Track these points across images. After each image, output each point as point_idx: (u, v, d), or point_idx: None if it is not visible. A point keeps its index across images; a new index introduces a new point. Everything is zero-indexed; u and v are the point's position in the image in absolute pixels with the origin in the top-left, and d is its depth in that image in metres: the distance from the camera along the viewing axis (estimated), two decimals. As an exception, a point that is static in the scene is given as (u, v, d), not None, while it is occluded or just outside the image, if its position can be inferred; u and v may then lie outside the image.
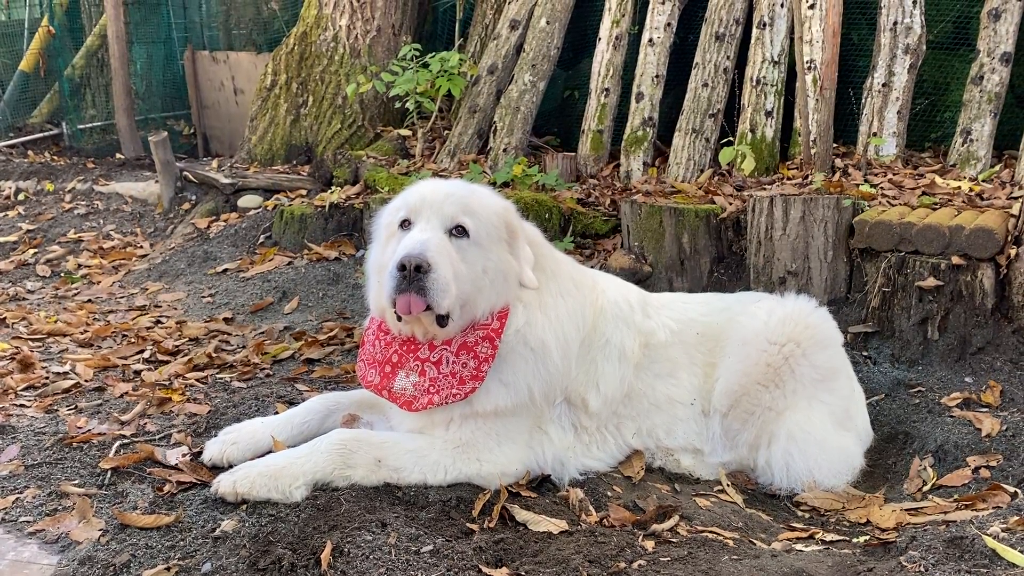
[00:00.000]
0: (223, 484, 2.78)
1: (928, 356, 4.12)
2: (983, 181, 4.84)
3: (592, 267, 5.01)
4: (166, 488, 2.94)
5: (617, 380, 3.26)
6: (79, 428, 3.49)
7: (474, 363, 2.95)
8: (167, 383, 4.20)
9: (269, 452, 3.14)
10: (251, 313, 5.36)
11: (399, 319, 2.95)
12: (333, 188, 6.27)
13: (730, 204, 4.89)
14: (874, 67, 5.36)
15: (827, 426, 3.40)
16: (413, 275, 2.77)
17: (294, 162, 7.32)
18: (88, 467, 3.13)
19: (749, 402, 3.36)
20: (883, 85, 5.30)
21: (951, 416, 3.72)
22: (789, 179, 5.24)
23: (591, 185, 5.77)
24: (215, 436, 3.23)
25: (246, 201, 6.81)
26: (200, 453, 3.18)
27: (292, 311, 5.33)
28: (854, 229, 4.33)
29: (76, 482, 3.01)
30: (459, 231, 2.93)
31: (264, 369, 4.42)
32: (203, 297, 5.68)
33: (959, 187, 4.69)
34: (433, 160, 6.59)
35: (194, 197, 7.25)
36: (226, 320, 5.25)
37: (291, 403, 3.77)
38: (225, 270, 6.01)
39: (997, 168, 4.97)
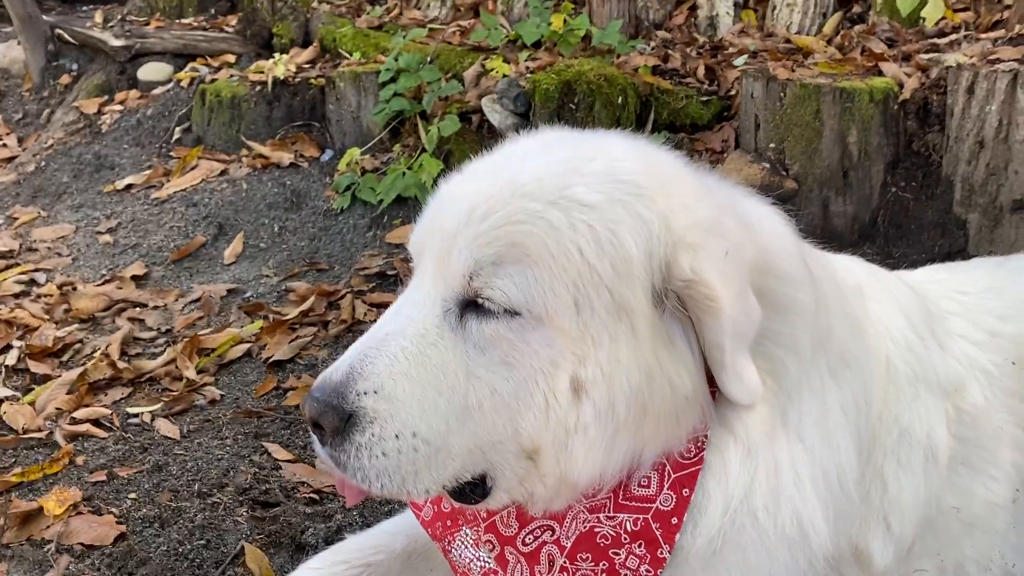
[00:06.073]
0: None
1: None
2: None
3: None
4: None
5: (918, 502, 1.67)
6: None
7: None
8: (43, 435, 2.50)
9: None
10: (173, 263, 3.57)
11: None
12: (276, 55, 4.30)
13: (908, 77, 3.17)
14: None
15: None
16: (320, 434, 1.23)
17: (212, 11, 5.23)
18: None
19: (1114, 490, 1.84)
20: None
21: None
22: (974, 28, 3.50)
23: (663, 41, 3.94)
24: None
25: (149, 72, 4.80)
26: None
27: (236, 259, 3.55)
28: None
29: None
30: (491, 302, 1.23)
31: (205, 388, 2.72)
32: (99, 233, 3.84)
33: None
34: (416, 5, 4.62)
35: (75, 67, 5.16)
36: (136, 279, 3.46)
37: (264, 505, 2.12)
38: (129, 187, 4.12)
39: None
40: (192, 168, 4.11)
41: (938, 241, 3.05)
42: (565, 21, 3.80)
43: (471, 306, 1.25)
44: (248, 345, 2.96)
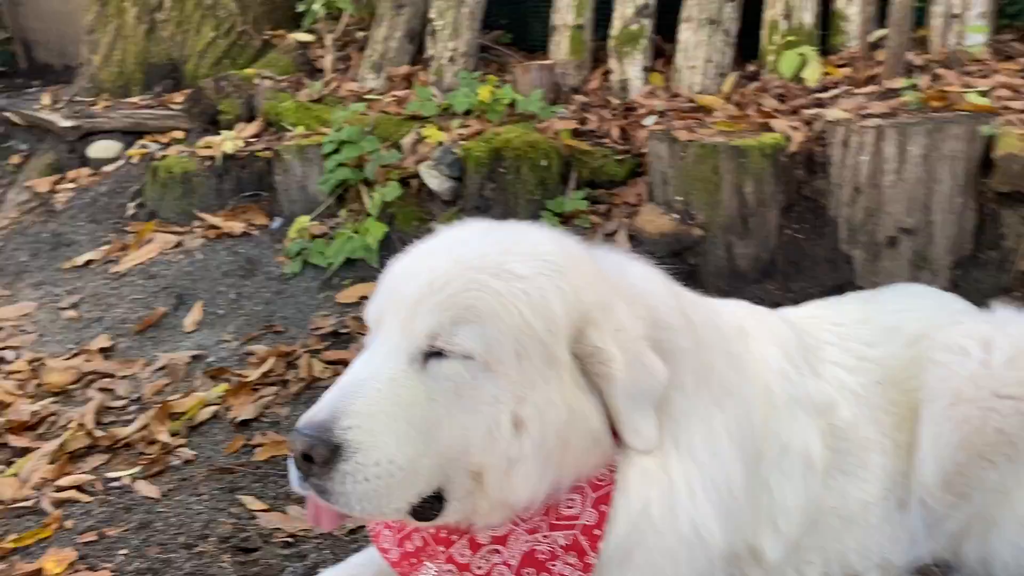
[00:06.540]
0: None
1: (1108, 338, 3.05)
2: (1109, 74, 3.70)
3: (614, 233, 3.68)
4: None
5: (803, 504, 2.02)
6: None
7: None
8: (30, 504, 2.71)
9: None
10: (137, 334, 3.79)
11: None
12: (223, 131, 4.58)
13: (794, 131, 3.59)
14: (950, -79, 4.04)
15: (1063, 497, 2.32)
16: (307, 466, 1.47)
17: (158, 89, 5.49)
18: None
19: (965, 484, 2.19)
20: (966, -54, 4.01)
21: None
22: (851, 83, 3.95)
23: (580, 105, 4.33)
24: None
25: (99, 150, 5.03)
26: None
27: (196, 326, 3.79)
28: (991, 165, 3.15)
29: None
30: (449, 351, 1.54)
31: (179, 450, 2.96)
32: (62, 309, 4.04)
33: (1091, 87, 3.55)
34: (352, 77, 4.95)
35: (26, 147, 5.38)
36: (104, 351, 3.68)
37: (245, 551, 2.38)
38: (88, 262, 4.34)
39: (1118, 54, 3.84)
40: (148, 242, 4.35)
41: (830, 275, 3.45)
42: (492, 92, 4.16)
43: (432, 354, 1.55)
44: (215, 407, 3.20)
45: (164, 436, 3.01)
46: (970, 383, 2.17)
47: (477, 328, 1.53)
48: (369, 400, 1.49)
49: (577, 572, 1.66)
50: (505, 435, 1.54)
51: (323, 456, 1.44)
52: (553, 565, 1.65)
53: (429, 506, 1.56)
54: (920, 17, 4.15)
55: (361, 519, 1.59)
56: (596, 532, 1.66)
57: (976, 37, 3.98)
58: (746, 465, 1.88)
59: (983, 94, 3.54)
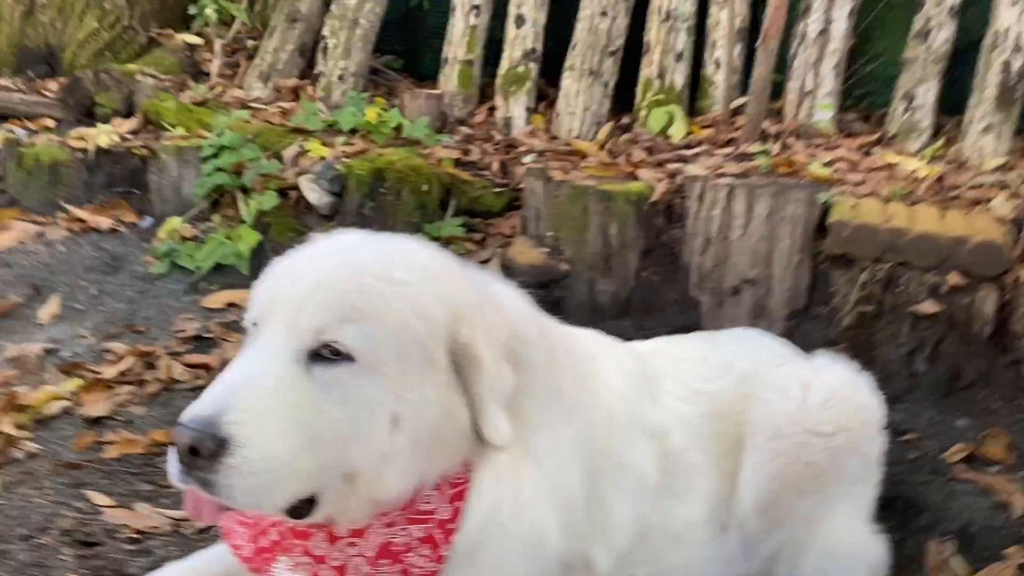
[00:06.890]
0: None
1: (914, 392, 3.43)
2: (932, 158, 4.17)
3: (487, 261, 3.83)
4: None
5: (632, 520, 2.19)
6: None
7: None
8: None
9: None
10: (-14, 322, 3.65)
11: None
12: (99, 124, 4.47)
13: (658, 182, 3.87)
14: (808, 8, 4.46)
15: (864, 527, 2.59)
16: (191, 459, 1.50)
17: (29, 73, 5.29)
18: None
19: (779, 511, 2.44)
20: (820, 33, 4.43)
21: (963, 482, 3.05)
22: (712, 144, 4.29)
23: (465, 136, 4.49)
24: None
25: (-41, 130, 4.80)
26: None
27: (53, 319, 3.67)
28: (826, 229, 3.50)
29: None
30: (333, 353, 1.62)
31: (23, 443, 2.88)
32: (-97, 291, 3.83)
33: (915, 169, 3.99)
34: (239, 85, 4.94)
35: None
36: (-54, 338, 3.52)
37: (88, 544, 2.35)
38: (-64, 245, 4.13)
39: (941, 143, 4.32)
40: (5, 229, 4.18)
41: (679, 316, 3.70)
42: (379, 114, 4.27)
43: (317, 357, 1.61)
44: (66, 403, 3.11)
45: (8, 428, 2.92)
46: (788, 420, 2.43)
47: (362, 327, 1.62)
48: (256, 396, 1.54)
49: (431, 564, 1.76)
50: (382, 433, 1.63)
51: (210, 450, 1.48)
52: (408, 556, 1.75)
53: (302, 506, 1.62)
54: (778, 90, 4.55)
55: (242, 511, 1.63)
56: (450, 526, 1.78)
57: (824, 113, 4.40)
58: (585, 478, 2.04)
59: (825, 165, 3.93)
